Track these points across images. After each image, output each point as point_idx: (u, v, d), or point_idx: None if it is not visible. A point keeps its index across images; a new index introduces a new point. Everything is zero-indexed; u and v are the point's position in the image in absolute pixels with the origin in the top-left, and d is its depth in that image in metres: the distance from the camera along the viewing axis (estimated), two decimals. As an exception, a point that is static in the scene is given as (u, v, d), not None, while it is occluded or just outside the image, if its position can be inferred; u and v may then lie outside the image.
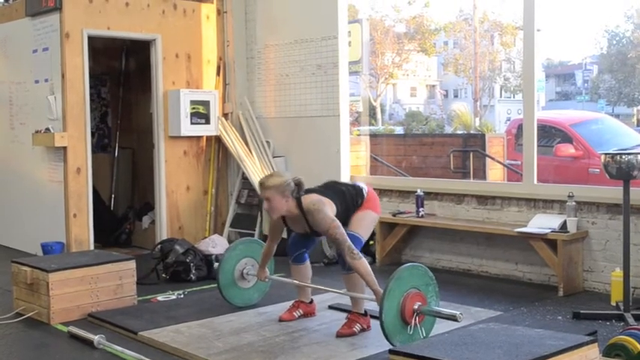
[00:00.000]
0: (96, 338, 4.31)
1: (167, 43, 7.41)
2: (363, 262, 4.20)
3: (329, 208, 4.36)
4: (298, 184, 4.43)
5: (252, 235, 7.54)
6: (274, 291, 5.51)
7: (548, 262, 5.59)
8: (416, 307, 4.05)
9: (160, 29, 7.37)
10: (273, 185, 4.37)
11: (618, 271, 5.06)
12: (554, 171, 8.37)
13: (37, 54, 7.16)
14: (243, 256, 5.12)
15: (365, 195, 4.60)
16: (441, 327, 4.53)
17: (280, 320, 4.72)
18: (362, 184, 4.75)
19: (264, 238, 7.29)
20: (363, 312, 4.50)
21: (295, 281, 4.82)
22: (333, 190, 4.59)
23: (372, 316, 4.60)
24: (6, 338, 4.58)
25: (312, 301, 4.87)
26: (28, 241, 7.22)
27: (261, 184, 4.45)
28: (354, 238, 4.38)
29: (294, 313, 4.77)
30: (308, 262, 4.80)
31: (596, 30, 43.65)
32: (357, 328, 4.43)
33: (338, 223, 4.29)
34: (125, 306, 5.12)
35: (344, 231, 4.29)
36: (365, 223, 4.55)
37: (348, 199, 4.56)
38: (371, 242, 6.79)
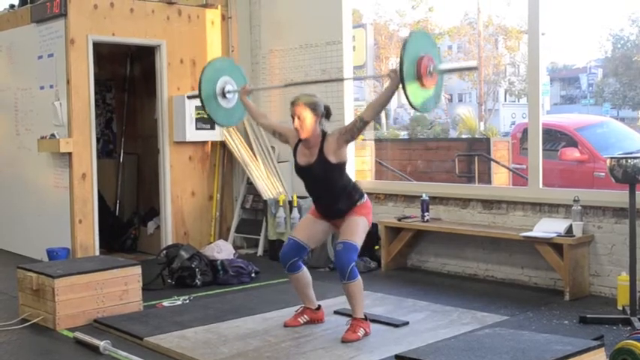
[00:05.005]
0: (102, 344, 4.31)
1: (172, 48, 7.42)
2: None
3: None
4: (327, 110, 4.49)
5: (257, 241, 7.55)
6: (279, 296, 5.51)
7: (554, 266, 5.57)
8: (431, 67, 4.14)
9: (165, 35, 7.39)
10: (307, 101, 4.41)
11: (624, 275, 5.05)
12: (560, 175, 8.36)
13: (42, 60, 7.18)
14: (222, 74, 5.06)
15: (364, 199, 4.56)
16: (446, 332, 4.54)
17: (285, 326, 4.70)
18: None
19: (270, 243, 7.31)
20: (363, 317, 4.49)
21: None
22: None
23: (372, 321, 4.62)
24: (12, 344, 4.58)
25: (319, 307, 4.81)
26: (33, 247, 7.23)
27: (295, 100, 4.45)
28: (351, 248, 4.35)
29: (299, 319, 4.74)
30: (304, 270, 4.68)
31: (601, 33, 43.60)
32: (360, 332, 4.42)
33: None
34: (131, 311, 5.12)
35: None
36: (360, 229, 4.47)
37: (351, 185, 4.55)
38: (376, 247, 6.78)
